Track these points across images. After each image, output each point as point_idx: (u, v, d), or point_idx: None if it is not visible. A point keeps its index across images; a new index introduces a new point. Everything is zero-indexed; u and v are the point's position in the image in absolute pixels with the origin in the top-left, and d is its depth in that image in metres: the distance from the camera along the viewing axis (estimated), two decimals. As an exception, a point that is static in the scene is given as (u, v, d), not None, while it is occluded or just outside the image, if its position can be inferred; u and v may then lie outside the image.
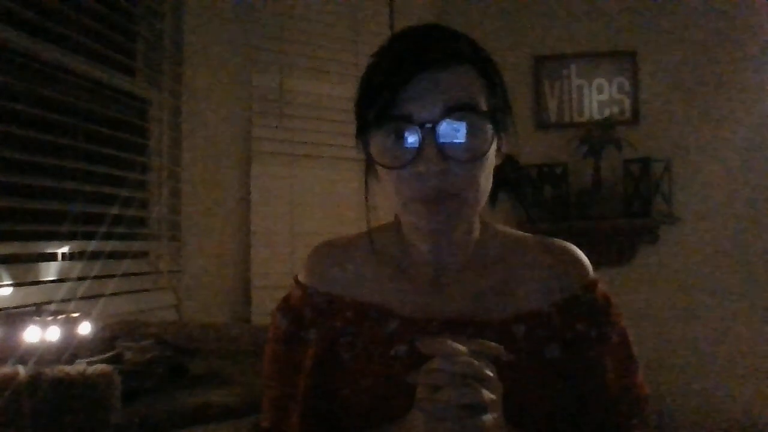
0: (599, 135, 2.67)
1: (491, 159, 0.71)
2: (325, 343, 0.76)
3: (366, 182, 0.77)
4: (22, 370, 0.85)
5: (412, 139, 0.67)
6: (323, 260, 0.81)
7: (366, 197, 0.78)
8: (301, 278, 0.81)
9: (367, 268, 0.79)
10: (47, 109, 1.44)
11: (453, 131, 0.66)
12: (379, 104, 0.68)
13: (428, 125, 0.66)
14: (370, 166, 0.76)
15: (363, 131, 0.73)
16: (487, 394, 0.59)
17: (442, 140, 0.66)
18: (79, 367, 0.89)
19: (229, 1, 2.19)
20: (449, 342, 0.61)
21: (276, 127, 2.27)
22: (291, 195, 2.29)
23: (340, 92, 2.34)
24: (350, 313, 0.76)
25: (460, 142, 0.67)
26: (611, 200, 2.70)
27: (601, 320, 0.76)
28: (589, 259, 0.80)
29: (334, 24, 2.43)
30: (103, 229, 1.60)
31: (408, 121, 0.67)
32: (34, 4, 1.41)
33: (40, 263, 1.44)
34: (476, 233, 0.79)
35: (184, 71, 1.98)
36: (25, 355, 0.93)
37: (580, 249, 0.81)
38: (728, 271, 2.76)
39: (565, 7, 2.91)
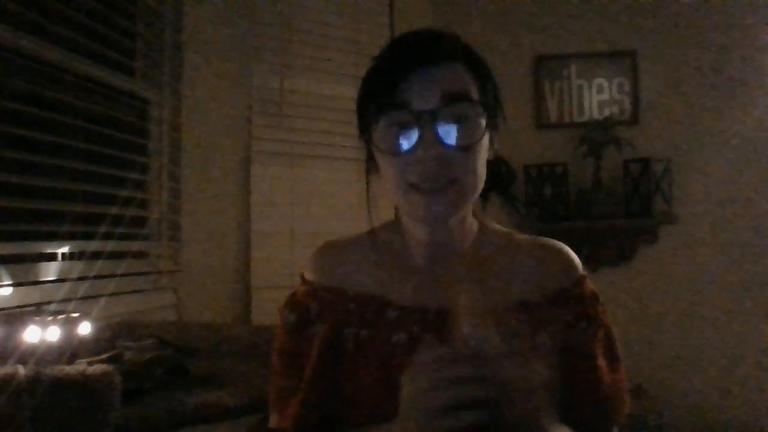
0: (599, 135, 2.66)
1: (484, 150, 0.75)
2: (330, 333, 0.78)
3: (367, 181, 0.81)
4: (22, 370, 0.85)
5: (412, 126, 0.71)
6: (327, 257, 0.84)
7: (367, 195, 0.81)
8: (306, 275, 0.85)
9: (368, 264, 0.82)
10: (47, 109, 1.44)
11: (449, 119, 0.70)
12: (381, 97, 0.72)
13: (427, 113, 0.69)
14: (371, 164, 0.80)
15: (366, 126, 0.76)
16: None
17: (439, 127, 0.69)
18: (79, 367, 0.89)
19: (229, 1, 2.19)
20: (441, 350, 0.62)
21: (276, 127, 2.28)
22: (291, 195, 2.29)
23: (340, 92, 2.34)
24: (353, 305, 0.79)
25: (456, 129, 0.71)
26: (611, 200, 2.70)
27: (589, 313, 0.79)
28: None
29: (334, 24, 2.43)
30: (103, 229, 1.60)
31: (408, 109, 0.70)
32: (34, 4, 1.41)
33: (40, 263, 1.43)
34: (471, 226, 0.82)
35: (184, 71, 1.98)
36: (25, 355, 0.93)
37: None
38: (728, 271, 2.76)
39: (565, 7, 2.91)
